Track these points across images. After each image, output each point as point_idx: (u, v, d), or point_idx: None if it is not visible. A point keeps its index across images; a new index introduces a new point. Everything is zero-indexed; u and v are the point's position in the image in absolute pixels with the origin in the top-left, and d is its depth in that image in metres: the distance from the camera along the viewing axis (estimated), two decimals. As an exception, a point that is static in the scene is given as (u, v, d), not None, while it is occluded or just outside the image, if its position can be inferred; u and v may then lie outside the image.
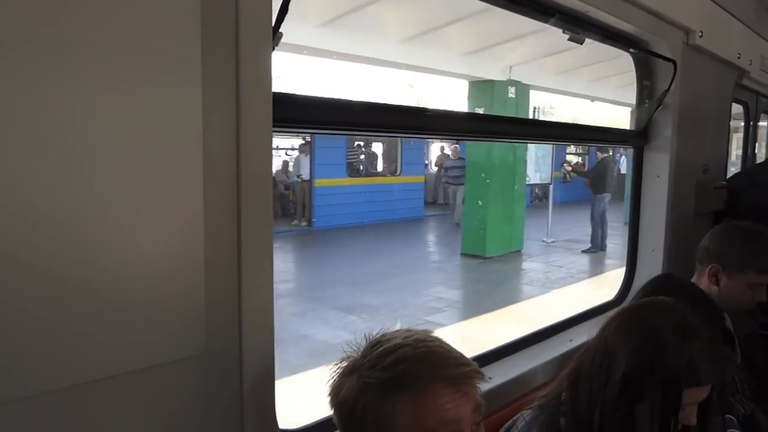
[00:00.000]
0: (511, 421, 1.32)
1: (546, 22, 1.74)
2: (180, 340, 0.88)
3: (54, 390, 0.76)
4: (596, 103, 12.36)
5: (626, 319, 1.29)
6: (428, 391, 0.88)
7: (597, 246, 11.26)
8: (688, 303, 1.31)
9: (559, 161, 14.54)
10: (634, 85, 2.46)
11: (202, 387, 0.92)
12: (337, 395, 0.93)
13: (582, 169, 13.66)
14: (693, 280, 1.98)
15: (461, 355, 0.94)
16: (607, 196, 11.28)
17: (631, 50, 2.28)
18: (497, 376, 1.59)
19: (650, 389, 1.18)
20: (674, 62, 2.26)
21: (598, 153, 12.10)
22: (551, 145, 11.71)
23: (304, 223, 13.08)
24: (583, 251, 11.19)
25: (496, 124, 1.83)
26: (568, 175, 12.79)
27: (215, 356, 0.92)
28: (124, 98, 0.79)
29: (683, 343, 1.20)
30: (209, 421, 0.93)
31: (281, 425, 1.06)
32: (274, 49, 0.97)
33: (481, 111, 9.12)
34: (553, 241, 12.01)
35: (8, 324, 0.71)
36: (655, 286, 1.86)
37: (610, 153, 12.46)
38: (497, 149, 10.12)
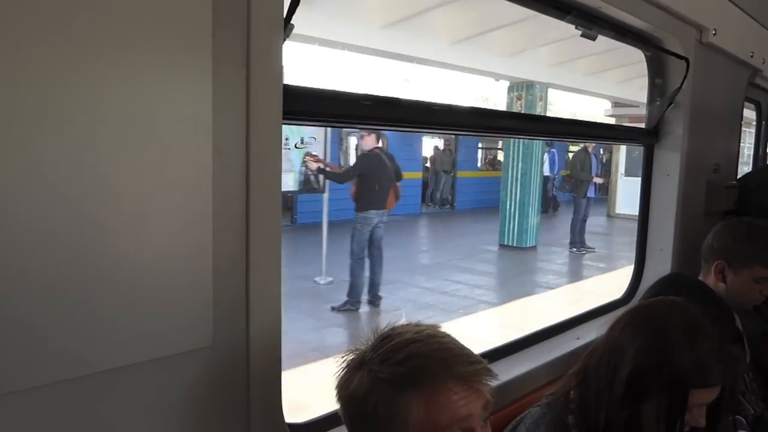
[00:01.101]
0: (518, 418, 1.31)
1: (562, 19, 1.73)
2: (188, 332, 0.88)
3: (63, 380, 0.76)
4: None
5: (635, 318, 1.28)
6: (442, 389, 0.88)
7: (357, 299, 6.66)
8: (698, 302, 1.30)
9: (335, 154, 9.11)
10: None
11: (209, 379, 0.91)
12: (345, 389, 0.92)
13: (335, 168, 8.53)
14: (699, 278, 1.97)
15: (472, 352, 0.94)
16: (375, 216, 6.65)
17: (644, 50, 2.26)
18: (504, 373, 1.58)
19: (656, 389, 1.17)
20: (687, 60, 2.24)
21: (363, 140, 7.21)
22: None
23: None
24: (335, 309, 6.64)
25: (504, 120, 1.82)
26: (315, 177, 7.65)
27: (222, 348, 0.92)
28: (134, 90, 0.79)
29: (692, 343, 1.18)
30: (215, 412, 0.93)
31: (287, 419, 1.05)
32: (285, 40, 0.97)
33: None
34: (330, 281, 7.65)
35: (18, 315, 0.71)
36: (664, 285, 1.85)
37: (381, 143, 7.65)
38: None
